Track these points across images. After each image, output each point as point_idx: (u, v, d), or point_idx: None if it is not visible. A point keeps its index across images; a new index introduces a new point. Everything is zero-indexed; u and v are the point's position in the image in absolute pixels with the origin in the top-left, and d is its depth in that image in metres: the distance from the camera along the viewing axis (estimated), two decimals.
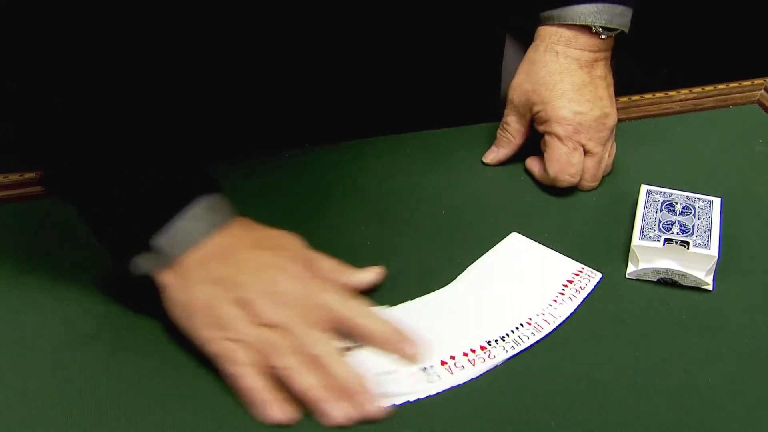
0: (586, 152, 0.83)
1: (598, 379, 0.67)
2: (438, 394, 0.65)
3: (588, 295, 0.74)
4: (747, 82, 1.03)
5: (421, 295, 0.73)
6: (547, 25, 0.85)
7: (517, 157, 0.89)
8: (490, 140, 0.90)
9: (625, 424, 0.64)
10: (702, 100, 1.01)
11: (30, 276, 0.74)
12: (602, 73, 0.85)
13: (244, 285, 0.64)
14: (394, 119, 0.93)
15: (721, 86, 1.03)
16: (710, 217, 0.78)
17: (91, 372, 0.66)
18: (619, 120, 0.87)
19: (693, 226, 0.77)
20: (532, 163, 0.87)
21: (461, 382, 0.66)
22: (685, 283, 0.75)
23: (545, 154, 0.84)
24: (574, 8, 0.83)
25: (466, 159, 0.90)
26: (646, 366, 0.68)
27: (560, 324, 0.71)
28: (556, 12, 0.84)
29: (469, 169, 0.88)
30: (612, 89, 0.86)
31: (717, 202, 0.81)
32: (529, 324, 0.71)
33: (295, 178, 0.86)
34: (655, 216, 0.78)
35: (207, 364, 0.65)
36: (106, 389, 0.65)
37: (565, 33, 0.84)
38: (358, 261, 0.75)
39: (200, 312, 0.64)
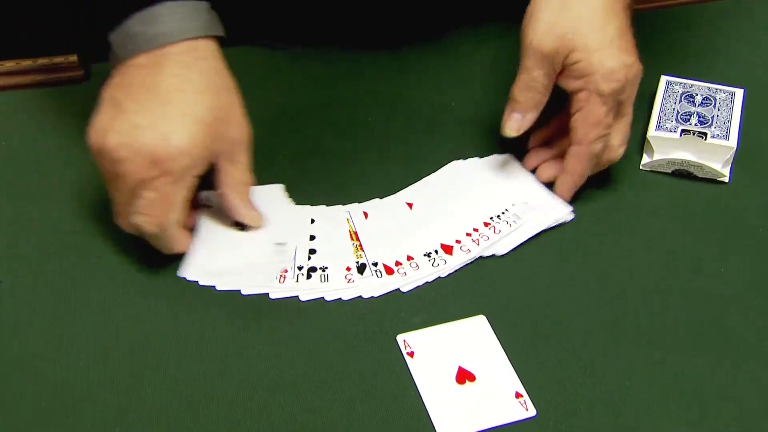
0: (618, 113, 0.69)
1: (610, 268, 0.67)
2: (449, 275, 0.66)
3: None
4: None
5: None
6: None
7: None
8: (502, 38, 0.87)
9: (637, 314, 0.64)
10: None
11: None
12: (631, 22, 0.69)
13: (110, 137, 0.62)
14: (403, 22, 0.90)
15: None
16: (731, 108, 0.76)
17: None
18: (640, 9, 0.83)
19: (712, 117, 0.75)
20: (541, 164, 0.73)
21: (468, 261, 0.67)
22: (700, 174, 0.74)
23: (574, 117, 0.68)
24: None
25: (477, 55, 0.87)
26: (658, 256, 0.68)
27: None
28: None
29: (480, 64, 0.86)
30: None
31: (739, 93, 0.78)
32: (526, 204, 0.71)
33: (306, 71, 0.85)
34: (673, 107, 0.76)
35: None
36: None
37: None
38: (366, 148, 0.75)
39: (92, 123, 0.64)
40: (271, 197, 0.71)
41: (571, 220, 0.70)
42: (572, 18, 0.66)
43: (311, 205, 0.71)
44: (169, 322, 0.63)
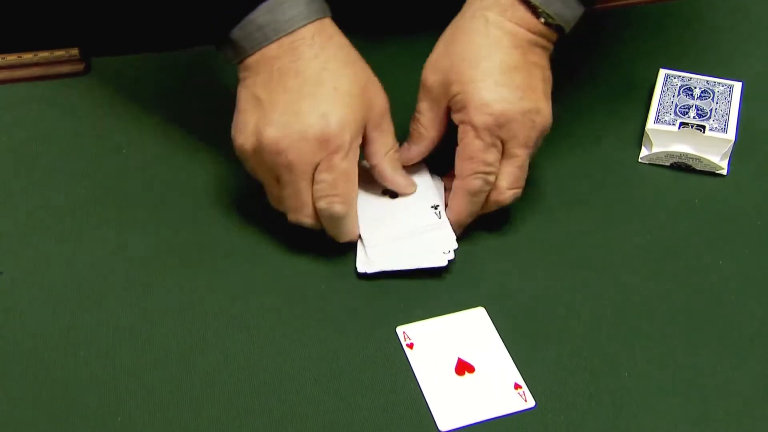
0: (504, 154, 0.65)
1: (609, 262, 0.67)
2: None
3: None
4: None
5: None
6: None
7: None
8: None
9: (636, 306, 0.64)
10: None
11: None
12: (539, 60, 0.66)
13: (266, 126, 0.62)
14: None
15: None
16: (729, 102, 0.77)
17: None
18: (639, 4, 0.83)
19: (711, 110, 0.75)
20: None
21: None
22: (698, 167, 0.74)
23: (456, 150, 0.66)
24: None
25: None
26: (657, 249, 0.68)
27: None
28: None
29: None
30: (549, 87, 0.67)
31: (737, 86, 0.79)
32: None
33: None
34: (672, 100, 0.77)
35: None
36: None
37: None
38: None
39: (235, 119, 0.65)
40: None
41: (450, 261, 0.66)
42: (455, 52, 0.66)
43: None
44: (170, 316, 0.63)
